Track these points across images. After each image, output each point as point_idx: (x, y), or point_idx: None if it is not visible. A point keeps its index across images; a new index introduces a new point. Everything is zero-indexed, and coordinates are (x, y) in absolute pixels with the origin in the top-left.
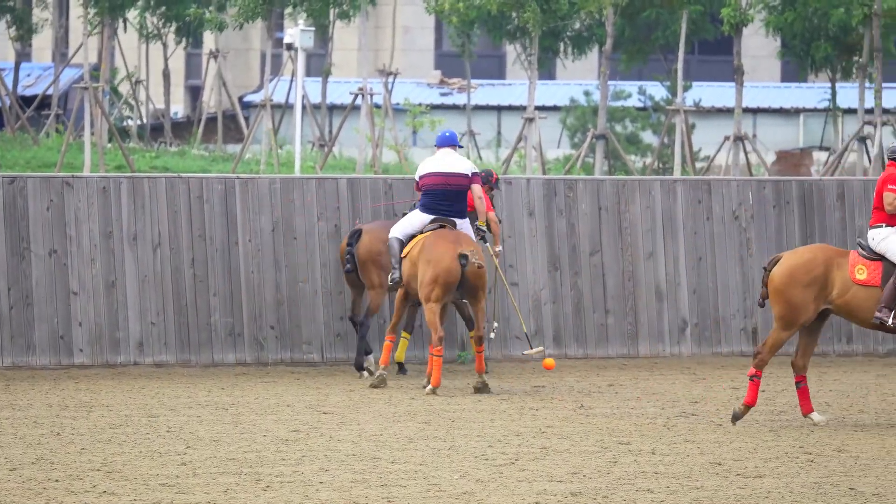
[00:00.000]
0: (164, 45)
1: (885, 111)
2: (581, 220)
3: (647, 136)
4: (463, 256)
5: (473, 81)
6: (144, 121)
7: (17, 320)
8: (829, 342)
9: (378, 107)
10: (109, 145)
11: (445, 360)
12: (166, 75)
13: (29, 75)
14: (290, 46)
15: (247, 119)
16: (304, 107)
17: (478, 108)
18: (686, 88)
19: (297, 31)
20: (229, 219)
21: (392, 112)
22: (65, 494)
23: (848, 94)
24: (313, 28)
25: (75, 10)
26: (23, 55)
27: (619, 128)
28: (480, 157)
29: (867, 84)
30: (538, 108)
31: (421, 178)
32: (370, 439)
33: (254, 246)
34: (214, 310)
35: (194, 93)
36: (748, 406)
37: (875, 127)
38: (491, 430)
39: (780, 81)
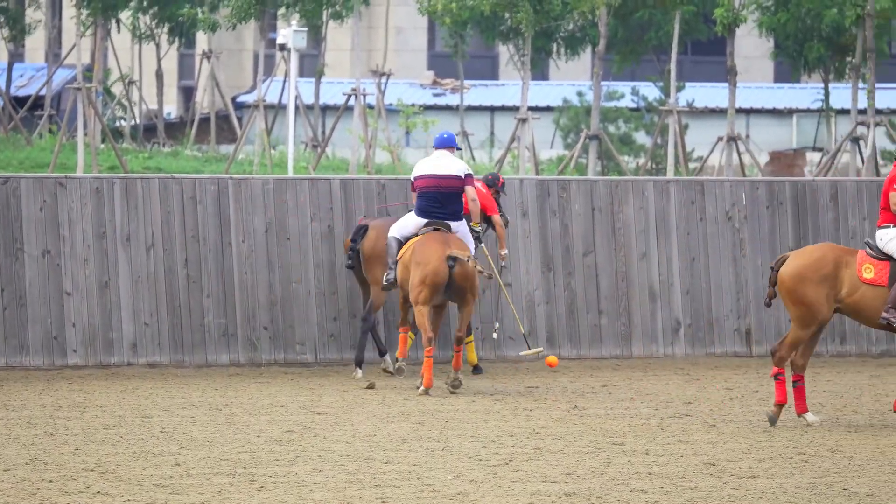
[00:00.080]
0: (157, 46)
1: (878, 112)
2: (574, 220)
3: (641, 137)
4: (451, 258)
5: (466, 82)
6: (137, 121)
7: (10, 321)
8: (822, 343)
9: (371, 107)
10: (102, 146)
11: (440, 360)
12: (159, 76)
13: (22, 76)
14: (283, 47)
15: (240, 120)
16: (297, 107)
17: (471, 108)
18: (679, 89)
19: (289, 32)
20: (222, 219)
21: (385, 113)
22: (59, 495)
23: (841, 95)
24: (306, 29)
25: (68, 11)
26: (16, 55)
27: (612, 128)
28: (474, 158)
29: (860, 85)
30: (531, 109)
31: (415, 179)
32: (364, 440)
33: (247, 247)
34: (208, 310)
35: (187, 93)
36: (780, 405)
37: (868, 127)
38: (485, 431)
39: (773, 82)
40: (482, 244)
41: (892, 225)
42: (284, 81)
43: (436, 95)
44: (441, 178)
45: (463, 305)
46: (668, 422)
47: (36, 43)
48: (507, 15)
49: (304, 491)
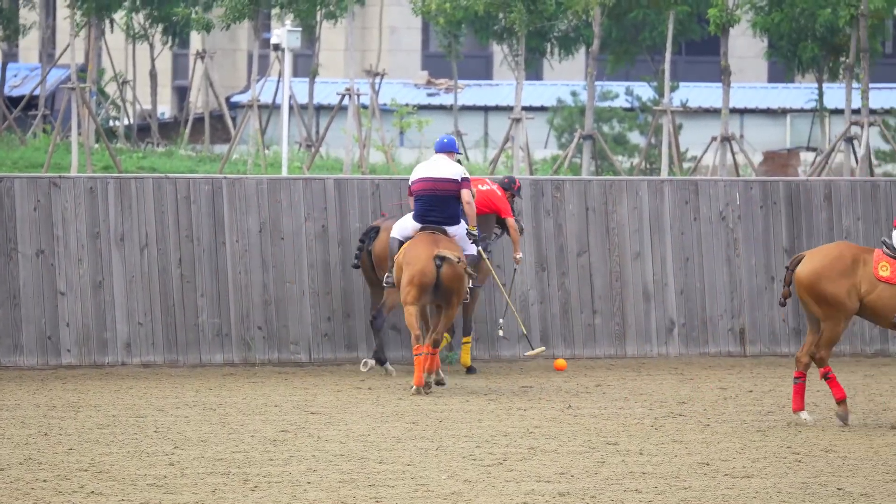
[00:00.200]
0: (151, 46)
1: (872, 111)
2: (568, 220)
3: (635, 137)
4: (439, 258)
5: (460, 82)
6: (131, 121)
7: (4, 321)
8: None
9: (365, 107)
10: (96, 146)
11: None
12: (153, 76)
13: (16, 76)
14: (276, 47)
15: (234, 119)
16: (291, 107)
17: (465, 108)
18: (673, 89)
19: (283, 32)
20: (216, 219)
21: (379, 112)
22: (52, 495)
23: (835, 95)
24: (300, 28)
25: (62, 11)
26: (9, 55)
27: (606, 128)
28: (468, 158)
29: (854, 84)
30: (525, 109)
31: (412, 183)
32: (358, 439)
33: (241, 246)
34: (202, 310)
35: (181, 93)
36: (842, 399)
37: (862, 127)
38: (479, 431)
39: (767, 82)
40: (479, 246)
41: None
42: (278, 81)
43: (430, 95)
44: (437, 182)
45: (447, 308)
46: (662, 421)
47: (30, 43)
48: (500, 15)
49: (298, 490)
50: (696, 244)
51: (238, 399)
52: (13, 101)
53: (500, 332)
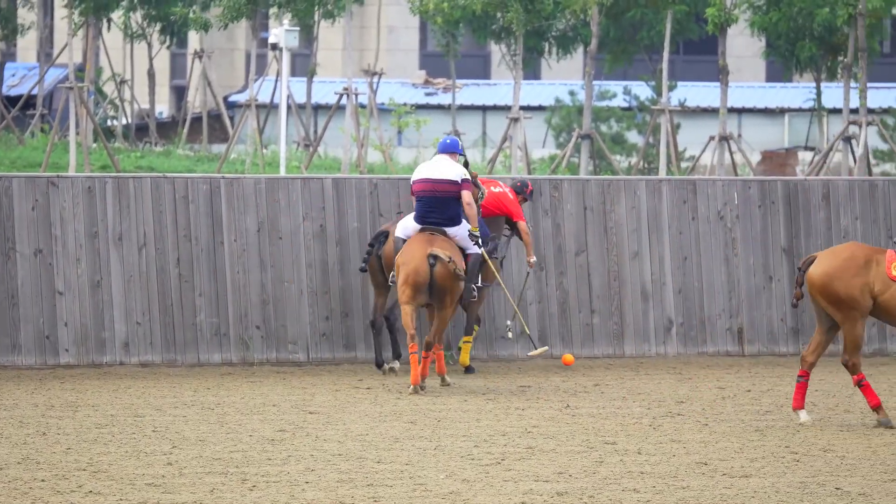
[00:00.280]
0: (149, 45)
1: (870, 111)
2: (566, 219)
3: (633, 136)
4: (432, 256)
5: (458, 81)
6: (129, 121)
7: (2, 320)
8: None
9: (363, 107)
10: (94, 145)
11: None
12: (151, 75)
13: (14, 75)
14: (274, 46)
15: (232, 119)
16: (289, 107)
17: (463, 107)
18: (671, 88)
19: (281, 31)
20: (214, 219)
21: (377, 112)
22: (51, 494)
23: (833, 94)
24: (298, 28)
25: (60, 11)
26: (7, 55)
27: (604, 128)
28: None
29: (852, 84)
30: (523, 108)
31: (413, 183)
32: (356, 439)
33: (239, 246)
34: (200, 310)
35: (179, 93)
36: (877, 406)
37: (860, 127)
38: (477, 430)
39: (765, 81)
40: (481, 249)
41: None
42: (276, 81)
43: (428, 95)
44: (436, 183)
45: (441, 308)
46: (660, 421)
47: (28, 42)
48: (498, 14)
49: (297, 490)
50: (695, 244)
51: (236, 398)
52: (11, 101)
53: (510, 335)
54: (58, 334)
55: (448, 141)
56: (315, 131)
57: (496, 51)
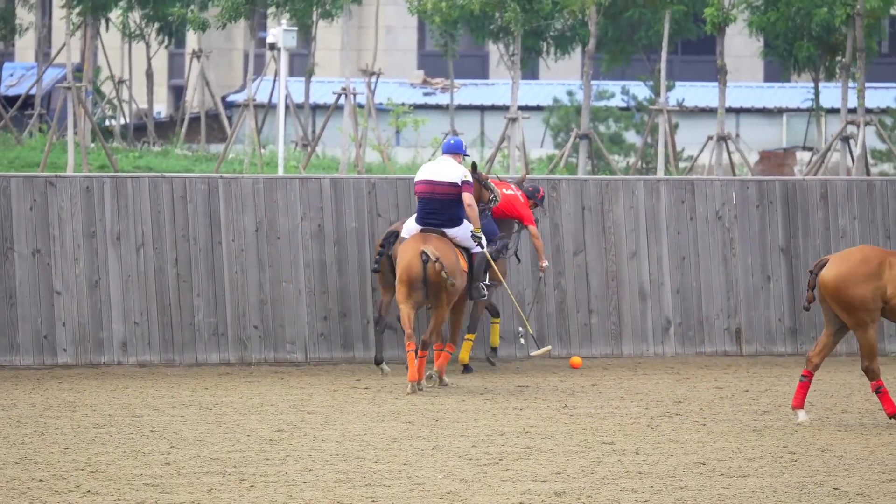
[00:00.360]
0: (147, 45)
1: (869, 111)
2: (564, 219)
3: (631, 136)
4: (424, 253)
5: (456, 81)
6: (127, 121)
7: (0, 320)
8: (812, 342)
9: (361, 107)
10: (92, 145)
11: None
12: (149, 75)
13: (12, 75)
14: (272, 46)
15: (230, 119)
16: (287, 106)
17: (461, 107)
18: (669, 88)
19: (279, 31)
20: (213, 219)
21: (375, 112)
22: (48, 494)
23: (831, 94)
24: (296, 28)
25: (58, 11)
26: (5, 55)
27: (602, 128)
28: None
29: (850, 84)
30: (521, 108)
31: (415, 184)
32: (354, 439)
33: (237, 246)
34: (198, 310)
35: (177, 92)
36: (893, 415)
37: (858, 127)
38: (475, 430)
39: (763, 81)
40: (484, 250)
41: None
42: (274, 81)
43: (426, 95)
44: (436, 185)
45: (436, 306)
46: (658, 421)
47: (26, 42)
48: (496, 14)
49: (294, 490)
50: (693, 244)
51: (234, 398)
52: (9, 101)
53: (522, 341)
54: (56, 334)
55: (452, 142)
56: (313, 131)
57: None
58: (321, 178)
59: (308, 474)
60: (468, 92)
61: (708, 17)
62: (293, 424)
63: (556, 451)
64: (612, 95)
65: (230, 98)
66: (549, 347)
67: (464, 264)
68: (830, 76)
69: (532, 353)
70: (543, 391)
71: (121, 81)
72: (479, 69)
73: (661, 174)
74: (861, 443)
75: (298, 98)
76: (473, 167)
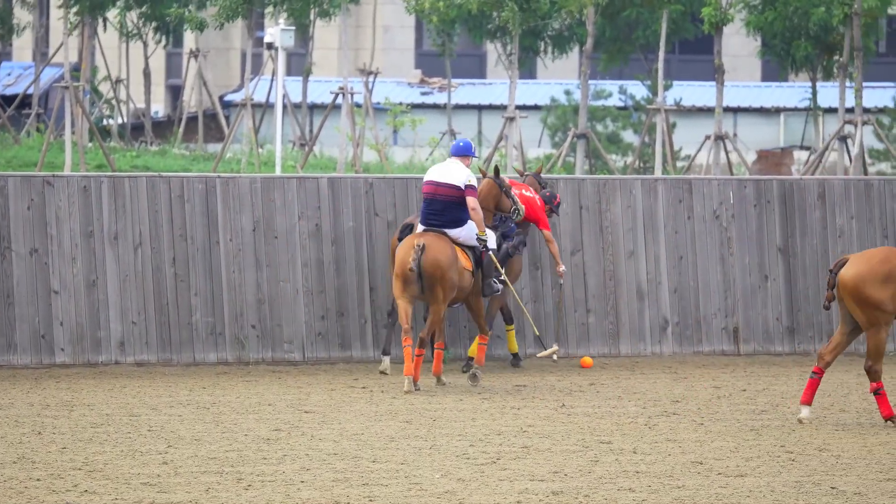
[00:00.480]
0: (145, 45)
1: (866, 110)
2: (562, 219)
3: (628, 136)
4: (418, 246)
5: (454, 80)
6: (125, 120)
7: None
8: (810, 341)
9: (359, 106)
10: (90, 144)
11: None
12: (147, 74)
13: (9, 74)
14: (270, 46)
15: (227, 118)
16: (284, 106)
17: (458, 107)
18: (667, 88)
19: (277, 31)
20: (210, 218)
21: (373, 111)
22: (46, 493)
23: (828, 94)
24: (294, 27)
25: (56, 10)
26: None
27: (599, 127)
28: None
29: (848, 83)
30: (519, 108)
31: (423, 184)
32: (351, 438)
33: (235, 245)
34: (195, 309)
35: (175, 92)
36: (889, 417)
37: (856, 126)
38: (472, 430)
39: (761, 81)
40: (490, 251)
41: None
42: (272, 80)
43: (423, 94)
44: (439, 186)
45: (432, 302)
46: (656, 420)
47: (23, 42)
48: (494, 14)
49: (292, 489)
50: (690, 243)
51: (232, 398)
52: (7, 100)
53: (556, 357)
54: (53, 334)
55: (461, 144)
56: (311, 131)
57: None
58: (319, 178)
59: (305, 473)
60: (466, 91)
61: (705, 17)
62: (291, 424)
63: (553, 450)
64: (610, 95)
65: (228, 97)
66: (555, 348)
67: (466, 262)
68: (828, 76)
69: (539, 355)
70: (541, 390)
71: (118, 81)
72: (476, 69)
73: (658, 174)
74: (858, 442)
75: (296, 97)
76: (496, 172)
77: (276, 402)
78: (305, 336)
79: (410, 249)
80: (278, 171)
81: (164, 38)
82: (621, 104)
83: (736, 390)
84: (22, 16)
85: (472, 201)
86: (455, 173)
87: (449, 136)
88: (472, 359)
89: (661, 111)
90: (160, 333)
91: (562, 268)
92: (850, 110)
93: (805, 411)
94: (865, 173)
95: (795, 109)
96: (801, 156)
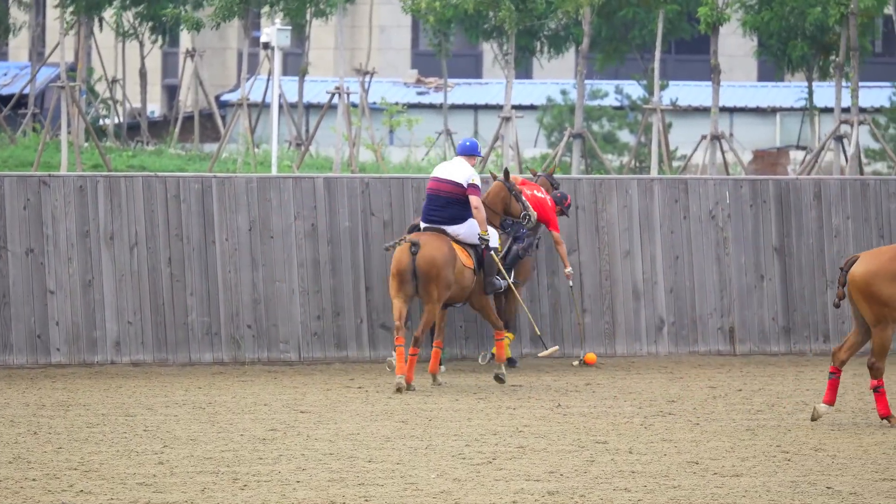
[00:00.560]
0: (141, 44)
1: (862, 110)
2: (558, 219)
3: (624, 136)
4: (413, 244)
5: (450, 80)
6: (121, 120)
7: None
8: (805, 341)
9: (355, 106)
10: (86, 144)
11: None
12: (143, 74)
13: (5, 74)
14: (266, 45)
15: (223, 118)
16: (280, 106)
17: (454, 107)
18: (663, 87)
19: (273, 31)
20: (206, 218)
21: (368, 111)
22: (42, 493)
23: (824, 94)
24: (290, 27)
25: (52, 10)
26: None
27: (595, 127)
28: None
29: (844, 83)
30: (515, 108)
31: (428, 181)
32: (347, 438)
33: (231, 245)
34: (191, 309)
35: (171, 92)
36: (885, 416)
37: (852, 126)
38: (468, 429)
39: (757, 80)
40: (491, 251)
41: None
42: (268, 80)
43: (419, 94)
44: (441, 182)
45: (426, 301)
46: (652, 420)
47: (19, 41)
48: (490, 13)
49: (288, 489)
50: (686, 243)
51: (227, 398)
52: (3, 100)
53: (576, 363)
54: (49, 333)
55: (468, 143)
56: (307, 130)
57: (488, 50)
58: (314, 178)
59: (301, 473)
60: (462, 91)
61: (702, 17)
62: (286, 424)
63: (549, 450)
64: (606, 95)
65: (224, 97)
66: (556, 347)
67: (467, 260)
68: (824, 75)
69: (540, 355)
70: (537, 390)
71: (114, 81)
72: (472, 68)
73: (654, 173)
74: (854, 442)
75: (292, 97)
76: (506, 175)
77: (272, 401)
78: (301, 336)
79: (405, 250)
80: (274, 171)
81: (160, 37)
82: (617, 104)
83: (732, 390)
84: (18, 15)
85: (474, 199)
86: (459, 171)
87: (445, 135)
88: (511, 360)
89: (658, 111)
90: (156, 333)
91: (569, 269)
92: (846, 110)
93: (823, 408)
94: (861, 173)
95: (791, 109)
96: (797, 156)
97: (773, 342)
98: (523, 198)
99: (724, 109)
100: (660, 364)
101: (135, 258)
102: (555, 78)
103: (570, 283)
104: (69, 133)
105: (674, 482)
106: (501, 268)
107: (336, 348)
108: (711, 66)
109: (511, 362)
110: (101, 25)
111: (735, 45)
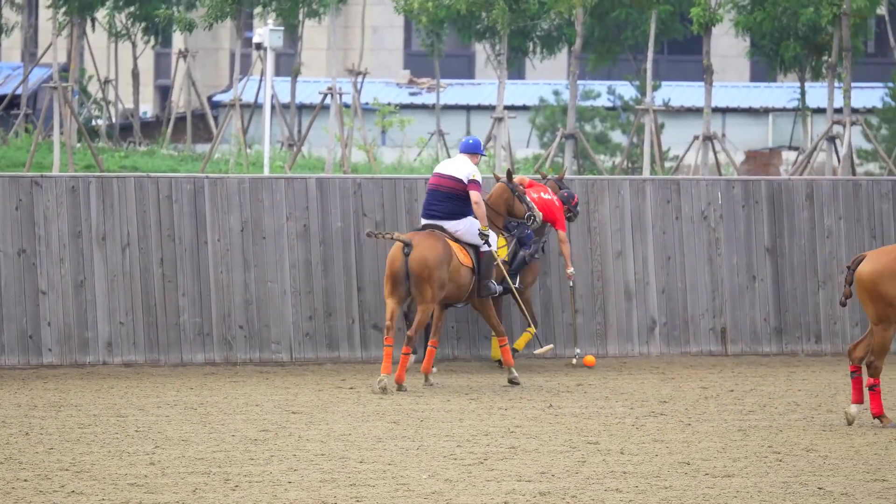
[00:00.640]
0: (133, 45)
1: (854, 111)
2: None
3: (617, 136)
4: (406, 245)
5: (443, 81)
6: (113, 120)
7: None
8: (797, 342)
9: (347, 106)
10: (78, 145)
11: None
12: (135, 75)
13: None
14: (259, 46)
15: (216, 119)
16: (273, 106)
17: (447, 107)
18: (655, 88)
19: (266, 31)
20: (198, 218)
21: (361, 112)
22: (33, 494)
23: (817, 94)
24: (282, 28)
25: (45, 11)
26: None
27: (588, 127)
28: (449, 156)
29: (836, 84)
30: (507, 108)
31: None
32: (339, 439)
33: (223, 246)
34: (183, 310)
35: (163, 92)
36: (878, 416)
37: (844, 126)
38: (460, 430)
39: (750, 81)
40: (491, 248)
41: None
42: (260, 80)
43: (412, 94)
44: (442, 178)
45: (420, 301)
46: (643, 421)
47: (12, 42)
48: (483, 14)
49: (279, 490)
50: (678, 243)
51: (219, 398)
52: None
53: (574, 361)
54: (41, 334)
55: (470, 141)
56: (299, 131)
57: (481, 50)
58: (307, 178)
59: (293, 474)
60: (454, 92)
61: (694, 17)
62: (278, 424)
63: (540, 450)
64: (599, 95)
65: (216, 98)
66: (551, 346)
67: (464, 259)
68: (817, 76)
69: (535, 352)
70: (528, 391)
71: (107, 81)
72: (465, 69)
73: (646, 174)
74: (846, 443)
75: (284, 98)
76: (509, 176)
77: (264, 402)
78: (293, 336)
79: (399, 250)
80: (266, 172)
81: (152, 38)
82: (610, 104)
83: (723, 391)
84: (10, 16)
85: (475, 195)
86: (460, 167)
87: (437, 136)
88: (499, 361)
89: (650, 111)
90: (148, 334)
91: (570, 269)
92: (838, 111)
93: (854, 409)
94: (854, 174)
95: (784, 110)
96: (789, 156)
97: (765, 343)
98: (527, 198)
99: (716, 110)
100: (651, 364)
101: (127, 259)
102: (547, 78)
103: (571, 283)
104: (61, 133)
105: (665, 483)
106: (507, 275)
107: (328, 349)
108: (704, 66)
109: (499, 363)
110: (93, 26)
111: (727, 46)
